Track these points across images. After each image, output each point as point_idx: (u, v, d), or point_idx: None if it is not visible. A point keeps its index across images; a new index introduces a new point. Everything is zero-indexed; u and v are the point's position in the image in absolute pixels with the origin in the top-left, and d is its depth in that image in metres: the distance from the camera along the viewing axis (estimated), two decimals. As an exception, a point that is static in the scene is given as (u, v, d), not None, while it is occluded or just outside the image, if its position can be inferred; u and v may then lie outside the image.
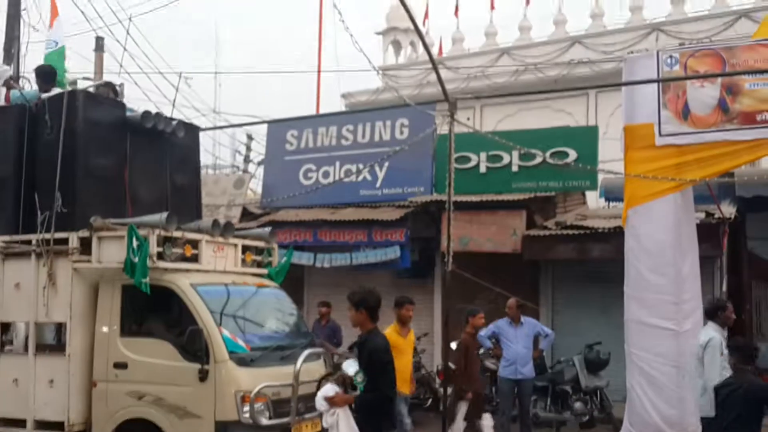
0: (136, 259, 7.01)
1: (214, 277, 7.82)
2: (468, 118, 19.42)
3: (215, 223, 8.03)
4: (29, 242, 7.82)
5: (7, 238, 8.03)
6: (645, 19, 21.25)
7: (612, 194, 13.31)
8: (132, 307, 7.52)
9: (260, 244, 8.67)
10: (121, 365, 7.36)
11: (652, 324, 8.51)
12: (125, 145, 8.28)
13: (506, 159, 13.17)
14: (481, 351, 10.54)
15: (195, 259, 7.66)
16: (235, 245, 8.23)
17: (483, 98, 19.03)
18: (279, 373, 7.17)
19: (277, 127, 14.87)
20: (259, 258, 8.61)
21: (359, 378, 5.47)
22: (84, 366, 7.56)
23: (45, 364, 7.72)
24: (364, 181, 14.19)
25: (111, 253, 7.41)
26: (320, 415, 5.84)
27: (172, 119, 8.77)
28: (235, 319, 7.56)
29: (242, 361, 7.07)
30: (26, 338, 8.00)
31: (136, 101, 10.01)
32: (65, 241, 7.64)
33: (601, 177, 12.73)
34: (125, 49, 11.87)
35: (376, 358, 5.50)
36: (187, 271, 7.55)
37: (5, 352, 8.04)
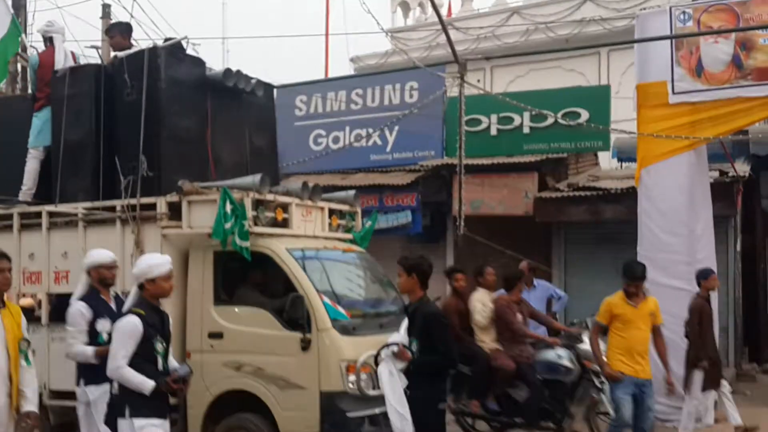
0: (228, 224, 6.63)
1: (306, 241, 7.40)
2: (478, 80, 19.25)
3: (305, 185, 7.62)
4: (112, 208, 7.38)
5: (88, 204, 7.55)
6: (658, -25, 20.87)
7: (625, 154, 13.20)
8: (225, 275, 7.14)
9: (345, 207, 8.31)
10: (216, 335, 6.96)
11: (666, 284, 8.48)
12: (206, 105, 7.81)
13: (517, 121, 13.06)
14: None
15: (284, 223, 7.26)
16: (322, 209, 7.86)
17: (493, 59, 18.76)
18: (380, 342, 6.77)
19: (286, 92, 14.76)
20: (343, 222, 8.24)
21: (414, 347, 5.34)
22: (176, 336, 7.00)
23: None
24: (374, 145, 14.13)
25: (202, 218, 6.97)
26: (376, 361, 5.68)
27: (251, 78, 8.28)
28: (331, 285, 7.19)
29: (344, 330, 6.68)
30: None
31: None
32: (152, 206, 7.20)
33: (613, 137, 12.63)
34: (132, 15, 11.75)
35: (436, 323, 5.33)
36: (280, 235, 7.15)
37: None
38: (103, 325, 5.95)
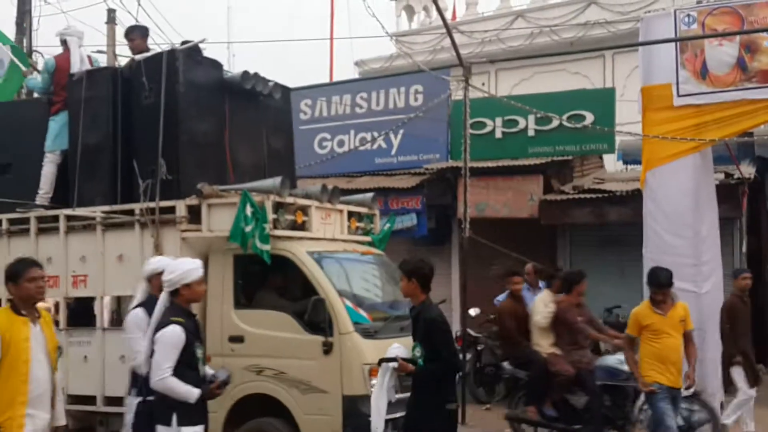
0: (248, 228, 6.58)
1: (325, 244, 7.37)
2: (483, 83, 19.24)
3: (324, 188, 7.57)
4: (131, 212, 7.35)
5: (106, 208, 7.52)
6: (662, -22, 20.87)
7: (630, 157, 13.20)
8: (245, 278, 7.11)
9: (363, 209, 8.30)
10: (236, 339, 6.89)
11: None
12: (224, 108, 7.78)
13: (522, 123, 13.08)
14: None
15: (303, 226, 7.22)
16: (341, 211, 7.82)
17: (498, 62, 18.78)
18: (400, 344, 6.85)
19: (291, 96, 14.81)
20: (362, 224, 8.21)
21: (417, 352, 5.30)
22: None
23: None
24: (379, 149, 14.15)
25: (222, 221, 6.92)
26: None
27: (268, 80, 8.29)
28: (352, 288, 7.17)
29: (366, 333, 6.64)
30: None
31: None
32: (170, 209, 7.17)
33: (618, 139, 12.62)
34: (136, 20, 11.81)
35: (436, 328, 5.28)
36: (300, 238, 7.12)
37: (109, 328, 7.56)
38: None
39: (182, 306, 5.17)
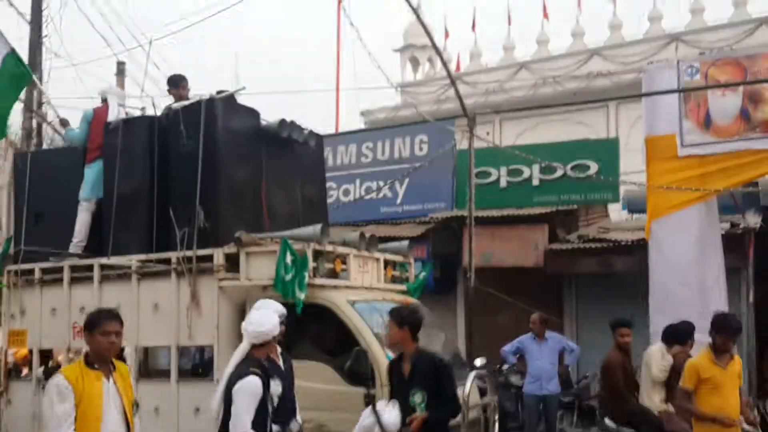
0: (288, 276, 6.46)
1: (364, 293, 7.22)
2: (487, 133, 19.40)
3: (362, 235, 7.48)
4: (167, 261, 7.24)
5: (142, 257, 7.43)
6: (664, 29, 21.17)
7: (635, 206, 13.19)
8: (287, 328, 6.79)
9: (398, 258, 8.19)
10: None
11: (679, 337, 8.38)
12: (261, 156, 7.73)
13: (526, 173, 13.12)
14: (506, 367, 10.44)
15: (341, 274, 7.10)
16: (377, 259, 7.72)
17: (502, 112, 19.01)
18: None
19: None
20: (397, 273, 8.11)
21: (418, 399, 5.14)
22: None
23: (189, 391, 7.05)
24: (385, 198, 14.18)
25: (261, 269, 6.80)
26: None
27: (303, 128, 8.26)
28: None
29: None
30: (163, 363, 7.66)
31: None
32: (208, 258, 7.07)
33: (623, 189, 12.64)
34: (146, 73, 11.99)
35: (445, 370, 5.18)
36: (339, 287, 6.99)
37: (144, 378, 7.41)
38: (275, 387, 5.58)
39: (259, 358, 5.06)
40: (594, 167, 12.45)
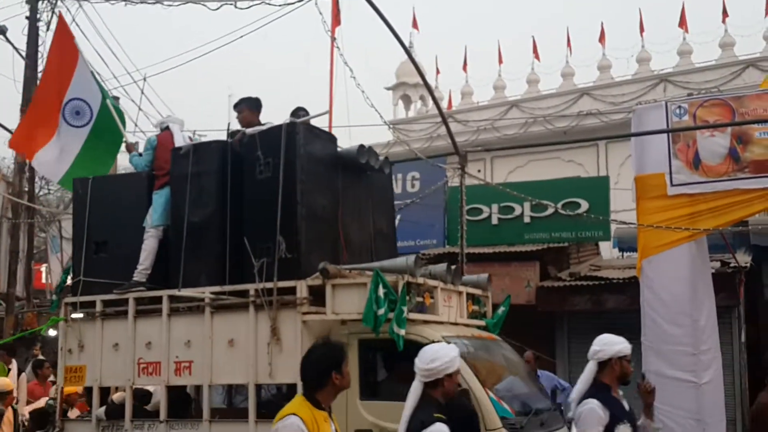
0: (381, 311, 5.98)
1: (452, 329, 6.72)
2: (479, 170, 19.55)
3: (449, 267, 7.00)
4: (243, 293, 6.76)
5: (216, 289, 6.90)
6: (652, 70, 21.47)
7: (625, 244, 13.27)
8: (370, 365, 6.54)
9: (478, 291, 7.78)
10: None
11: (672, 376, 8.39)
12: (338, 183, 7.27)
13: (518, 210, 13.21)
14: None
15: (423, 308, 6.58)
16: (460, 293, 7.26)
17: (493, 150, 19.14)
18: None
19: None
20: (477, 308, 7.68)
21: None
22: None
23: None
24: (377, 234, 14.20)
25: (349, 303, 6.32)
26: None
27: (378, 155, 7.82)
28: (489, 378, 6.41)
29: (513, 429, 5.95)
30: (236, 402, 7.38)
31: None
32: (287, 290, 6.55)
33: (613, 227, 12.71)
34: (140, 108, 12.02)
35: (473, 422, 4.95)
36: (428, 322, 6.47)
37: (216, 420, 6.89)
38: None
39: (438, 399, 4.53)
40: (585, 205, 12.55)
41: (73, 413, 8.66)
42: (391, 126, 22.69)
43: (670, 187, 8.76)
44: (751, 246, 12.11)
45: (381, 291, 5.98)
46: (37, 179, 15.36)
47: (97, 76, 9.59)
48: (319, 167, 7.04)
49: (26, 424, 9.10)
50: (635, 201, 9.11)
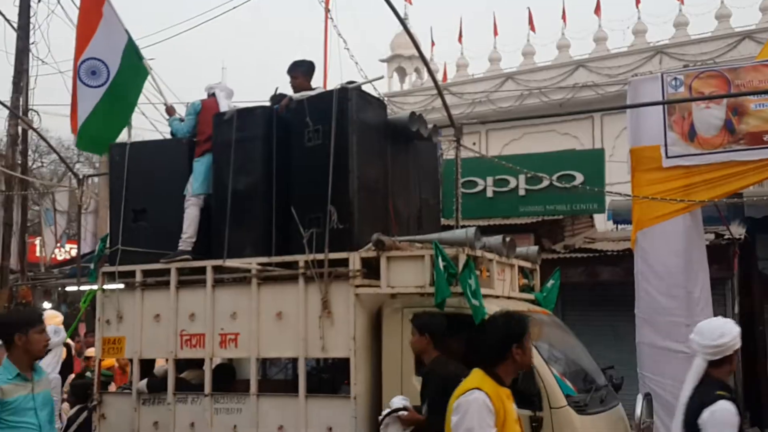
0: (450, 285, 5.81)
1: (509, 304, 6.39)
2: (474, 143, 19.47)
3: (504, 240, 6.73)
4: (290, 265, 6.53)
5: (263, 259, 6.64)
6: (648, 42, 21.38)
7: (620, 217, 13.28)
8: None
9: (527, 264, 7.50)
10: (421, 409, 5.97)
11: (665, 347, 8.44)
12: (387, 151, 7.01)
13: (513, 183, 13.18)
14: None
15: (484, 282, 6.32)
16: (512, 266, 7.01)
17: (488, 123, 19.07)
18: (608, 420, 6.01)
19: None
20: (526, 281, 7.42)
21: (424, 411, 4.94)
22: (371, 411, 6.09)
23: (320, 409, 6.28)
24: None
25: (405, 276, 6.10)
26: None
27: (427, 123, 7.47)
28: (550, 354, 6.17)
29: (578, 407, 5.72)
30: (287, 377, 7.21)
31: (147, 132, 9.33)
32: (340, 262, 6.30)
33: (608, 199, 12.71)
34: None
35: (450, 387, 5.09)
36: (486, 296, 6.13)
37: (264, 393, 6.62)
38: None
39: (721, 379, 4.23)
40: (580, 178, 12.52)
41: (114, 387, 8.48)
42: (386, 98, 22.61)
43: (666, 159, 8.75)
44: (746, 218, 12.14)
45: (441, 264, 5.78)
46: (30, 152, 15.28)
47: (130, 33, 8.92)
48: (371, 135, 6.79)
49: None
50: (630, 173, 9.10)
